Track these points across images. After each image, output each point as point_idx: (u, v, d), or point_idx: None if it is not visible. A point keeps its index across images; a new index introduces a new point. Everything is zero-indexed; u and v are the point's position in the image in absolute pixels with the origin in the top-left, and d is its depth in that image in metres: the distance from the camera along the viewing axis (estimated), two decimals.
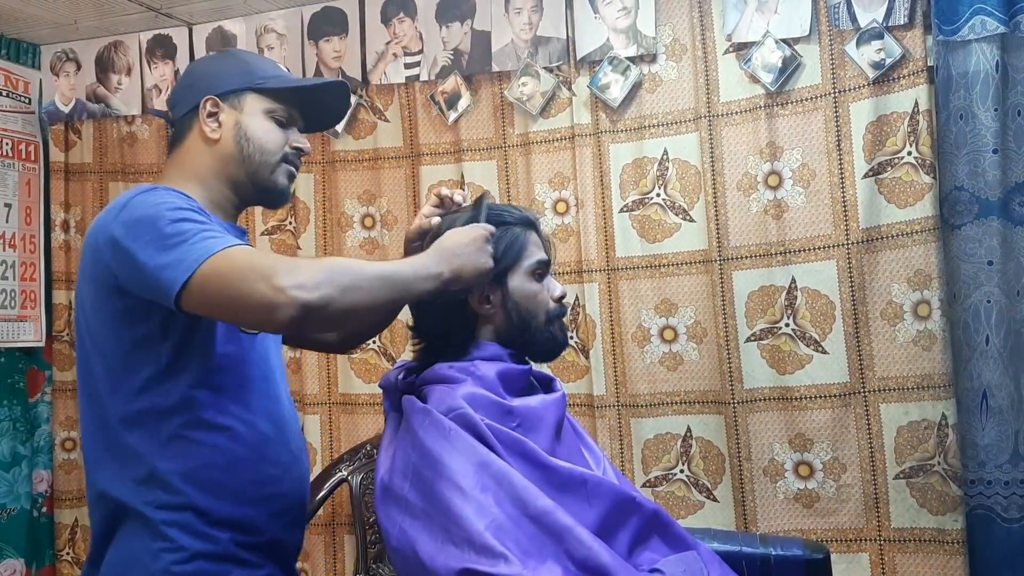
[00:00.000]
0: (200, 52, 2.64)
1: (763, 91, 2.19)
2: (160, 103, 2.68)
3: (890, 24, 2.06)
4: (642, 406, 2.29)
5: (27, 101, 2.79)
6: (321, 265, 1.13)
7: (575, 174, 2.35)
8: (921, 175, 2.06)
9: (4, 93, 2.72)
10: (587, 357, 2.33)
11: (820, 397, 2.15)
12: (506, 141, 2.43)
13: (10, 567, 2.68)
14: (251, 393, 1.28)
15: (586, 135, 2.33)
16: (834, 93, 2.15)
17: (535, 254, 1.34)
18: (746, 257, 2.21)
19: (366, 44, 2.53)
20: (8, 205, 2.72)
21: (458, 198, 1.39)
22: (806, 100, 2.17)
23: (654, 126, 2.29)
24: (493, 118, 2.44)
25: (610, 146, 2.33)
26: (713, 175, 2.24)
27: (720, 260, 2.22)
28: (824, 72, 2.16)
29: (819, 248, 2.15)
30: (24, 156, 2.77)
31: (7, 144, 2.72)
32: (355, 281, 1.11)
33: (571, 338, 2.34)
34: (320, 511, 2.22)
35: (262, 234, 2.64)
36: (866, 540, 2.12)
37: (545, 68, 2.36)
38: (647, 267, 2.30)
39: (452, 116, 2.45)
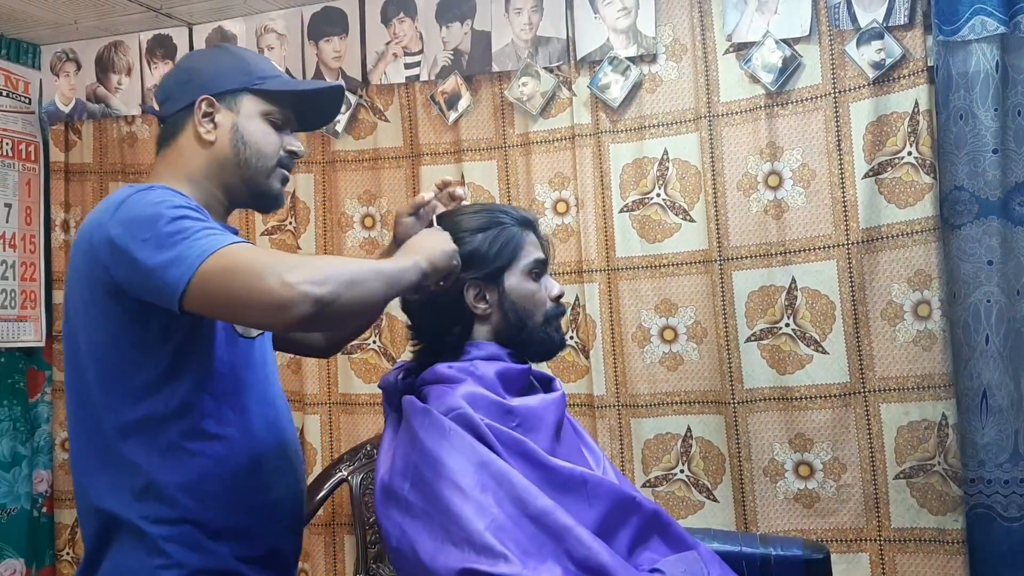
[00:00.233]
0: None
1: (763, 91, 2.19)
2: None
3: (890, 24, 2.06)
4: (642, 406, 2.29)
5: (27, 101, 2.79)
6: (322, 261, 1.13)
7: (575, 174, 2.35)
8: (921, 175, 2.06)
9: (4, 93, 2.72)
10: (587, 357, 2.33)
11: (820, 397, 2.15)
12: (506, 141, 2.43)
13: (10, 567, 2.68)
14: (249, 399, 1.26)
15: (586, 135, 2.34)
16: (834, 93, 2.15)
17: (532, 253, 1.34)
18: (746, 257, 2.21)
19: (366, 44, 2.53)
20: (8, 205, 2.72)
21: (460, 192, 1.39)
22: (806, 100, 2.17)
23: (654, 126, 2.29)
24: (493, 118, 2.44)
25: (610, 146, 2.33)
26: (713, 175, 2.24)
27: (720, 260, 2.22)
28: (824, 72, 2.16)
29: (819, 248, 2.15)
30: (24, 156, 2.77)
31: (7, 144, 2.72)
32: (355, 275, 1.10)
33: (570, 338, 2.34)
34: (320, 511, 2.22)
35: (262, 234, 2.64)
36: (866, 540, 2.12)
37: (545, 68, 2.36)
38: (647, 267, 2.30)
39: (452, 116, 2.45)
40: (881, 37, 2.06)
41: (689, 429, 2.26)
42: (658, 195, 2.29)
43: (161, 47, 2.69)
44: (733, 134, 2.23)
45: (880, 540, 2.10)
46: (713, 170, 2.24)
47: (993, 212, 2.02)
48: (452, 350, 1.31)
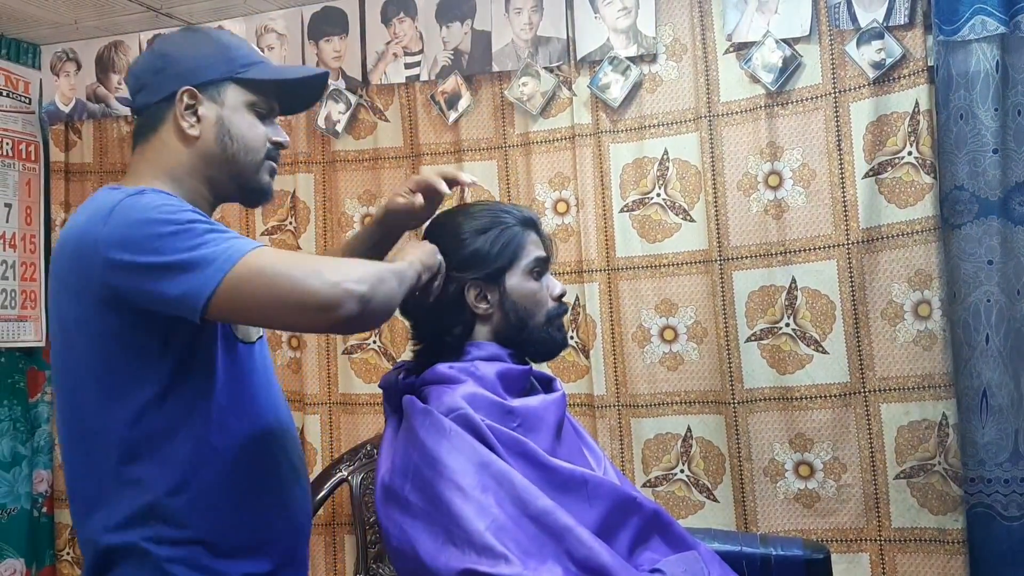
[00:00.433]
0: None
1: (763, 91, 2.19)
2: None
3: (890, 24, 2.06)
4: (642, 406, 2.29)
5: (27, 101, 2.79)
6: (347, 262, 1.12)
7: (575, 174, 2.35)
8: (921, 175, 2.06)
9: (4, 93, 2.72)
10: (587, 357, 2.33)
11: (820, 397, 2.15)
12: (506, 141, 2.43)
13: (10, 567, 2.68)
14: (253, 407, 1.21)
15: (586, 135, 2.33)
16: (834, 93, 2.15)
17: (533, 252, 1.33)
18: (746, 257, 2.21)
19: (366, 44, 2.53)
20: (8, 205, 2.72)
21: (465, 177, 1.39)
22: (806, 100, 2.17)
23: (654, 126, 2.29)
24: (493, 118, 2.44)
25: (610, 146, 2.33)
26: (713, 175, 2.24)
27: (720, 260, 2.22)
28: (824, 72, 2.16)
29: (819, 248, 2.15)
30: (24, 156, 2.77)
31: (7, 144, 2.72)
32: (379, 274, 1.09)
33: (570, 337, 2.34)
34: (320, 511, 2.22)
35: (262, 234, 2.64)
36: (866, 540, 2.12)
37: (545, 68, 2.36)
38: (647, 267, 2.30)
39: (452, 116, 2.45)
40: (881, 37, 2.06)
41: (689, 429, 2.26)
42: (658, 195, 2.29)
43: None
44: (733, 134, 2.23)
45: (880, 540, 2.10)
46: (713, 170, 2.24)
47: (993, 212, 2.02)
48: (453, 350, 1.31)
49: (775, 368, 2.18)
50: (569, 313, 2.30)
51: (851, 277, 2.12)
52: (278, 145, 1.26)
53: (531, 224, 1.36)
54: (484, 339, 1.32)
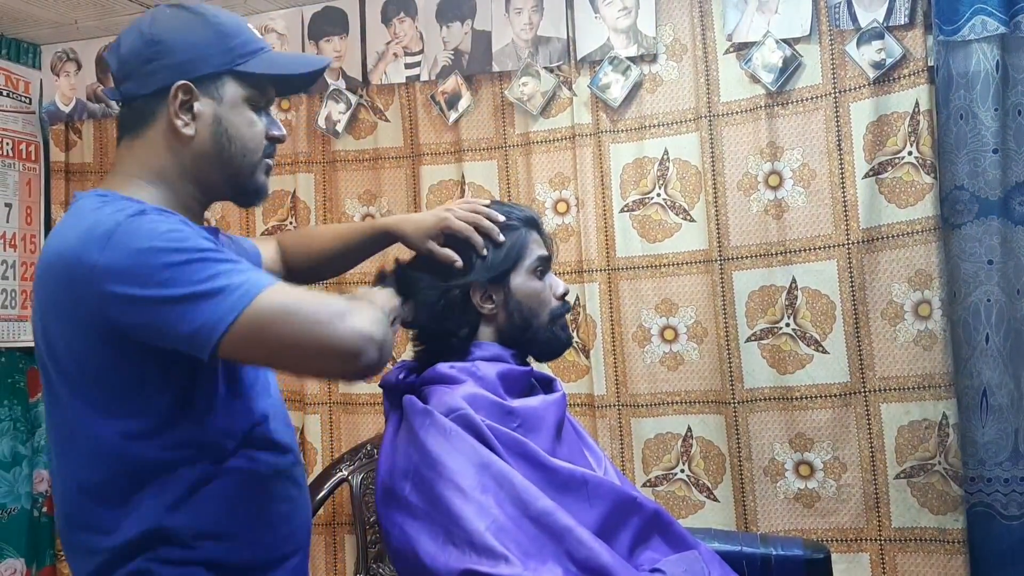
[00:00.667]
0: None
1: (763, 91, 2.19)
2: None
3: (890, 24, 2.06)
4: (642, 406, 2.29)
5: (27, 101, 2.79)
6: (358, 302, 1.05)
7: (575, 174, 2.35)
8: (921, 175, 2.06)
9: (4, 93, 2.72)
10: (587, 357, 2.33)
11: (820, 397, 2.15)
12: (506, 141, 2.43)
13: (10, 567, 2.68)
14: (255, 421, 1.15)
15: (586, 135, 2.34)
16: (834, 93, 2.15)
17: (535, 251, 1.34)
18: (746, 257, 2.21)
19: (366, 44, 2.53)
20: (8, 205, 2.72)
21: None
22: (806, 100, 2.17)
23: (654, 126, 2.29)
24: (493, 118, 2.44)
25: (610, 146, 2.33)
26: (713, 175, 2.24)
27: (720, 260, 2.23)
28: (824, 72, 2.16)
29: (819, 248, 2.15)
30: (24, 156, 2.77)
31: (7, 144, 2.72)
32: (382, 316, 1.05)
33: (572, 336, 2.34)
34: (320, 511, 2.22)
35: (262, 234, 2.64)
36: (867, 540, 2.12)
37: (545, 68, 2.36)
38: (647, 267, 2.30)
39: (452, 116, 2.44)
40: (881, 37, 2.06)
41: (689, 429, 2.26)
42: (658, 195, 2.29)
43: None
44: (733, 134, 2.23)
45: (880, 540, 2.10)
46: (713, 170, 2.24)
47: (993, 212, 2.02)
48: (457, 351, 1.31)
49: (775, 368, 2.18)
50: (569, 313, 2.31)
51: (851, 277, 2.12)
52: (276, 140, 1.17)
53: (533, 224, 1.36)
54: (488, 339, 1.33)
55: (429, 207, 2.45)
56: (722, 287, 2.22)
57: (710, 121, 2.24)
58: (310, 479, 2.04)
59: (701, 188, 2.25)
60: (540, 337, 1.33)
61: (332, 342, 0.96)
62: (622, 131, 2.32)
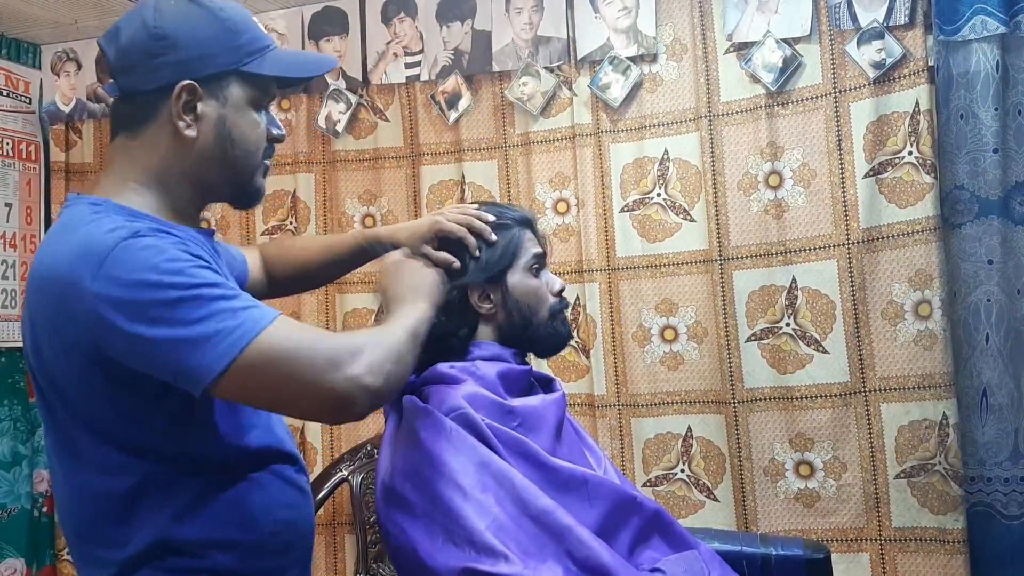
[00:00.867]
0: None
1: (764, 91, 2.19)
2: None
3: (891, 24, 2.06)
4: (642, 406, 2.29)
5: (27, 101, 2.79)
6: (371, 342, 1.00)
7: (575, 174, 2.35)
8: (922, 175, 2.06)
9: (4, 93, 2.72)
10: (588, 357, 2.33)
11: (820, 397, 2.15)
12: (507, 141, 2.43)
13: (10, 567, 2.68)
14: (262, 434, 1.13)
15: (587, 135, 2.34)
16: (835, 93, 2.15)
17: (531, 249, 1.34)
18: (746, 257, 2.21)
19: (366, 44, 2.53)
20: (8, 205, 2.72)
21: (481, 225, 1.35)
22: (807, 100, 2.17)
23: (655, 126, 2.29)
24: (493, 118, 2.44)
25: (611, 146, 2.33)
26: (714, 175, 2.24)
27: (720, 260, 2.23)
28: (825, 72, 2.16)
29: (820, 248, 2.15)
30: (24, 156, 2.77)
31: (7, 144, 2.72)
32: (399, 349, 1.02)
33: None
34: (320, 511, 2.22)
35: (262, 234, 2.64)
36: (867, 540, 2.12)
37: (546, 68, 2.36)
38: (648, 267, 2.30)
39: (452, 116, 2.45)
40: (881, 37, 2.06)
41: (689, 429, 2.26)
42: (658, 195, 2.29)
43: None
44: (733, 134, 2.23)
45: (881, 540, 2.10)
46: (713, 170, 2.24)
47: (993, 211, 2.02)
48: (457, 351, 1.31)
49: (775, 368, 2.18)
50: (569, 313, 2.31)
51: (851, 277, 2.12)
52: (276, 140, 1.13)
53: (526, 223, 1.37)
54: (487, 339, 1.33)
55: (429, 207, 2.46)
56: (722, 287, 2.22)
57: (710, 121, 2.24)
58: (310, 479, 2.04)
59: (701, 188, 2.25)
60: (541, 333, 1.33)
61: (323, 394, 0.95)
62: (622, 131, 2.32)
